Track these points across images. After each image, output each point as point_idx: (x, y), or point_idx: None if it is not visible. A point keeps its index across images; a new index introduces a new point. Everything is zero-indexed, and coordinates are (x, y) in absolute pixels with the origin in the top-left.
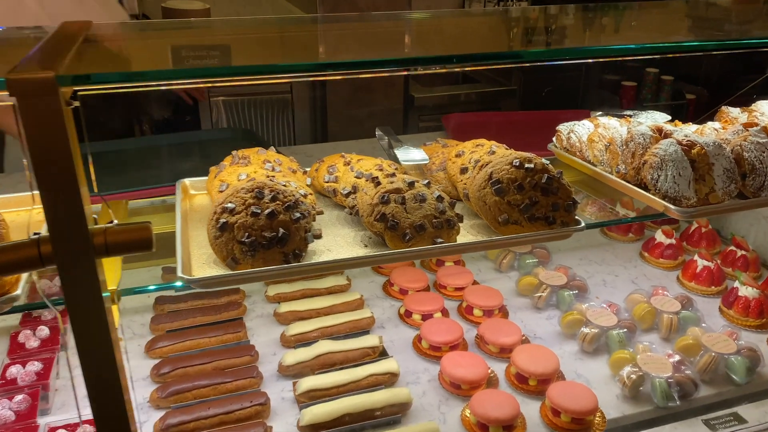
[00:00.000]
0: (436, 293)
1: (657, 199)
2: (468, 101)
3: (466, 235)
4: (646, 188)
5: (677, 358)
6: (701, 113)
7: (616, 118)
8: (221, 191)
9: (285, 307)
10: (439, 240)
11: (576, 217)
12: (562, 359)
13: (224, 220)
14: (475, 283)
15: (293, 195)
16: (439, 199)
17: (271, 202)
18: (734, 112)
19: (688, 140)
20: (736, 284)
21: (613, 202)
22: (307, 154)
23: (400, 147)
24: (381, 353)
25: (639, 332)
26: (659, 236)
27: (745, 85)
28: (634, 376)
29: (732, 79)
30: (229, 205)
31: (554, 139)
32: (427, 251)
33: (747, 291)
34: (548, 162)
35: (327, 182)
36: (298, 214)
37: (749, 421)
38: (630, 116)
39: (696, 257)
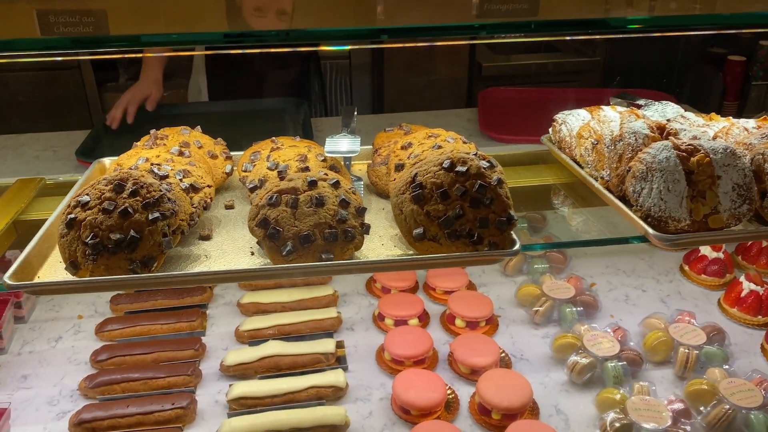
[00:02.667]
0: (419, 296)
1: (637, 218)
2: (543, 73)
3: (378, 248)
4: (629, 202)
5: (680, 406)
6: None
7: (621, 108)
8: None
9: (248, 298)
10: (328, 256)
11: (513, 237)
12: (546, 388)
13: (73, 216)
14: (470, 286)
15: (159, 190)
16: (343, 203)
17: (130, 198)
18: None
19: (688, 145)
20: None
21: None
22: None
23: (342, 133)
24: (339, 360)
25: (648, 364)
26: (705, 247)
27: None
28: (617, 425)
29: None
30: (84, 198)
31: (551, 129)
32: (303, 269)
33: None
34: (486, 164)
35: (244, 171)
36: (156, 214)
37: None
38: (640, 107)
39: (742, 278)
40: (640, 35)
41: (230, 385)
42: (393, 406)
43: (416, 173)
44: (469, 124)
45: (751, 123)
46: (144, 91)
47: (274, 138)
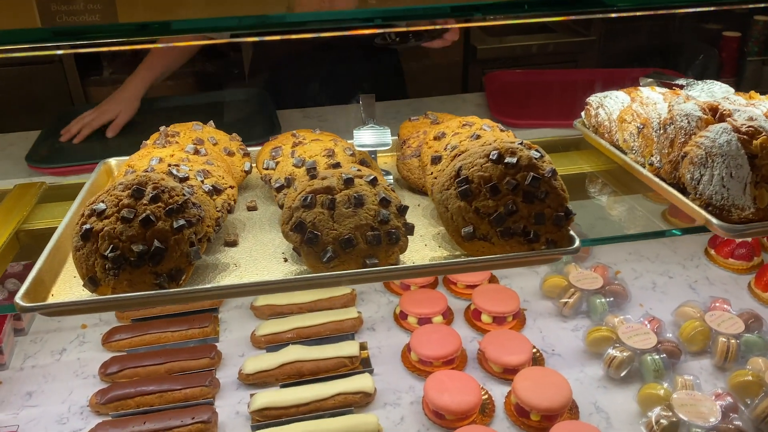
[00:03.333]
0: (441, 291)
1: (696, 207)
2: (538, 54)
3: (422, 249)
4: (685, 190)
5: (729, 400)
6: None
7: (662, 89)
8: None
9: (263, 300)
10: (372, 261)
11: (570, 233)
12: (582, 384)
13: (89, 226)
14: (492, 279)
15: (183, 194)
16: (384, 202)
17: (151, 204)
18: None
19: (749, 127)
20: None
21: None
22: (321, 118)
23: (368, 124)
24: (364, 363)
25: (686, 356)
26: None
27: None
28: (665, 421)
29: None
30: (100, 205)
31: (583, 113)
32: (349, 277)
33: None
34: (537, 154)
35: (265, 169)
36: (181, 221)
37: None
38: (682, 87)
39: None
40: (635, 13)
41: (251, 395)
42: (425, 410)
43: (461, 166)
44: (478, 109)
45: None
46: (110, 113)
47: (294, 132)
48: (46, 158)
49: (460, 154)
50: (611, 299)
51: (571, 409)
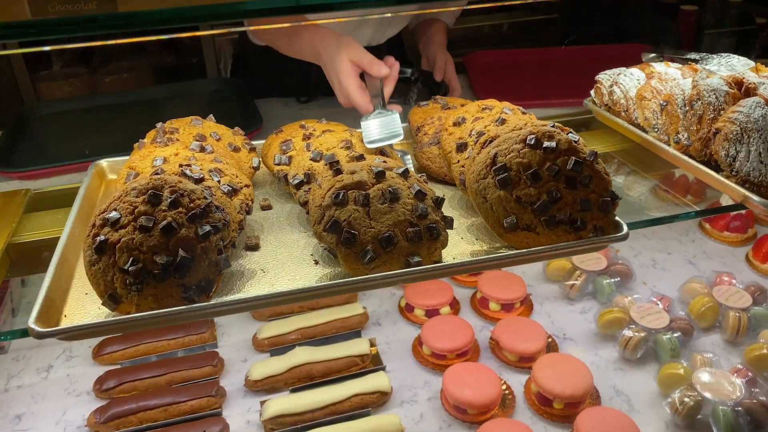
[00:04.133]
0: (445, 281)
1: (733, 185)
2: (499, 34)
3: (459, 243)
4: (717, 167)
5: (747, 375)
6: None
7: (676, 65)
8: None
9: None
10: (416, 259)
11: (617, 218)
12: (598, 368)
13: (103, 238)
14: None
15: (204, 197)
16: (419, 195)
17: (170, 210)
18: None
19: None
20: None
21: (671, 182)
22: (303, 107)
23: (375, 111)
24: (374, 360)
25: (697, 333)
26: (725, 203)
27: None
28: (689, 401)
29: None
30: (113, 214)
31: (592, 92)
32: (395, 277)
33: None
34: (576, 139)
35: (277, 165)
36: (207, 227)
37: None
38: (696, 61)
39: None
40: None
41: (262, 403)
42: (445, 405)
43: (496, 153)
44: (462, 90)
45: None
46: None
47: (303, 123)
48: (14, 161)
49: (489, 141)
50: (617, 279)
51: (592, 395)
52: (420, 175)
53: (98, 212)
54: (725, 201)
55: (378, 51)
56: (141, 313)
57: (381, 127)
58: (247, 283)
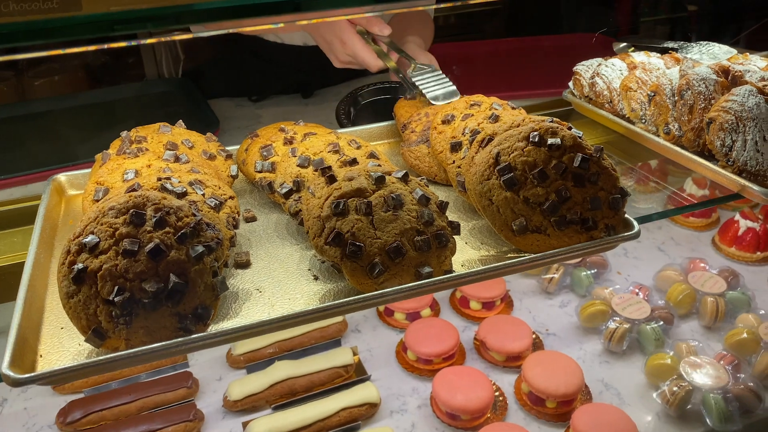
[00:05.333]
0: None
1: (729, 174)
2: (445, 26)
3: (464, 248)
4: (711, 157)
5: (732, 361)
6: (707, 29)
7: (656, 55)
8: (96, 201)
9: None
10: (427, 270)
11: (626, 216)
12: (584, 363)
13: (81, 266)
14: None
15: (192, 214)
16: (423, 200)
17: (156, 230)
18: None
19: None
20: None
21: (657, 171)
22: (258, 107)
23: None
24: (357, 370)
25: (676, 319)
26: (688, 187)
27: None
28: (679, 391)
29: None
30: (90, 238)
31: (571, 84)
32: (408, 291)
33: None
34: (580, 134)
35: (259, 172)
36: (200, 248)
37: None
38: (675, 50)
39: (738, 216)
40: None
41: (244, 424)
42: (436, 412)
43: (498, 152)
44: None
45: (760, 62)
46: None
47: (282, 126)
48: None
49: (487, 139)
50: (594, 271)
51: (583, 393)
52: (420, 178)
53: (72, 236)
54: (689, 187)
55: None
56: (133, 349)
57: (435, 82)
58: (244, 305)
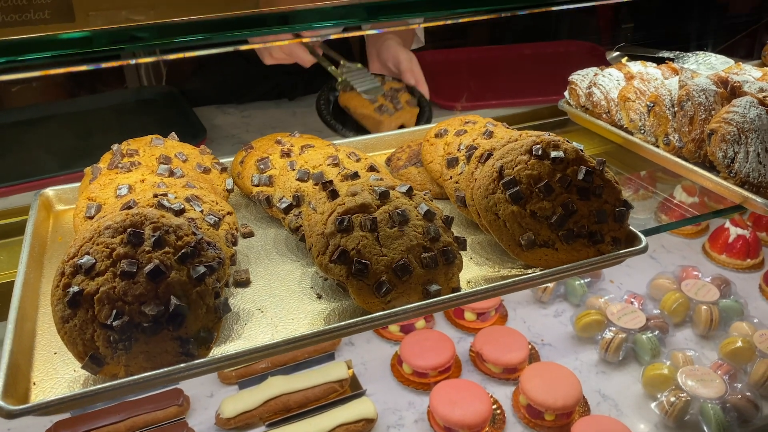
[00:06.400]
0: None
1: (731, 186)
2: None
3: (468, 264)
4: (712, 168)
5: (728, 370)
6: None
7: (652, 64)
8: (89, 218)
9: None
10: (435, 288)
11: (630, 228)
12: (581, 373)
13: (77, 289)
14: None
15: (192, 233)
16: (428, 215)
17: (155, 250)
18: None
19: None
20: None
21: (647, 179)
22: (245, 115)
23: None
24: (352, 384)
25: (671, 328)
26: (678, 194)
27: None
28: (677, 402)
29: None
30: (86, 259)
31: (566, 93)
32: (416, 311)
33: None
34: (581, 147)
35: (257, 186)
36: (201, 268)
37: None
38: (672, 60)
39: (728, 224)
40: None
41: None
42: (434, 427)
43: (502, 166)
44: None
45: (755, 72)
46: None
47: (279, 138)
48: None
49: (486, 154)
50: (587, 279)
51: (581, 405)
52: (424, 193)
53: (66, 257)
54: (678, 194)
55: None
56: (133, 377)
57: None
58: (246, 326)
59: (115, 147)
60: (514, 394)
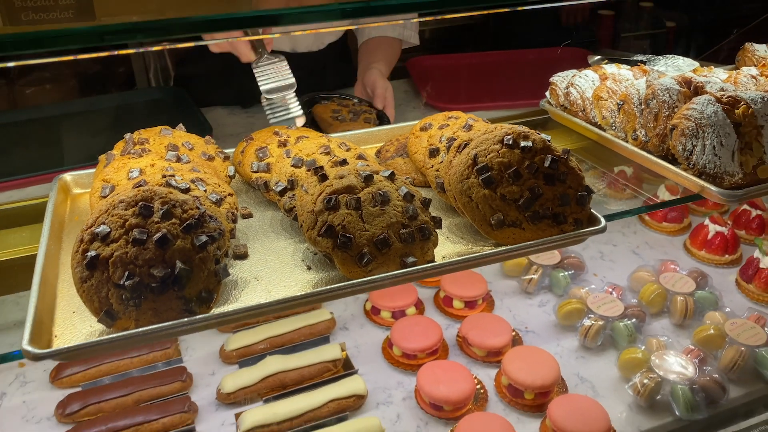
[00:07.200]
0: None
1: (690, 176)
2: (432, 39)
3: (444, 242)
4: (674, 160)
5: (699, 355)
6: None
7: (625, 67)
8: (103, 197)
9: None
10: (411, 259)
11: (592, 211)
12: (561, 358)
13: (94, 253)
14: None
15: (196, 207)
16: (408, 197)
17: (163, 221)
18: (760, 50)
19: (728, 97)
20: (757, 254)
21: (633, 179)
22: (250, 114)
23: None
24: (345, 365)
25: (648, 317)
26: (661, 193)
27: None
28: (649, 383)
29: (721, 2)
30: (102, 228)
31: (547, 93)
32: (393, 279)
33: None
34: (549, 138)
35: (255, 172)
36: (203, 238)
37: None
38: (644, 63)
39: (707, 222)
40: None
41: (237, 415)
42: (420, 404)
43: (476, 154)
44: (407, 95)
45: (753, 70)
46: None
47: (276, 129)
48: None
49: (463, 144)
50: (571, 272)
51: (558, 384)
52: (405, 177)
53: (85, 227)
54: (661, 193)
55: (319, 56)
56: (142, 328)
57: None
58: (243, 292)
59: (127, 136)
60: (497, 375)
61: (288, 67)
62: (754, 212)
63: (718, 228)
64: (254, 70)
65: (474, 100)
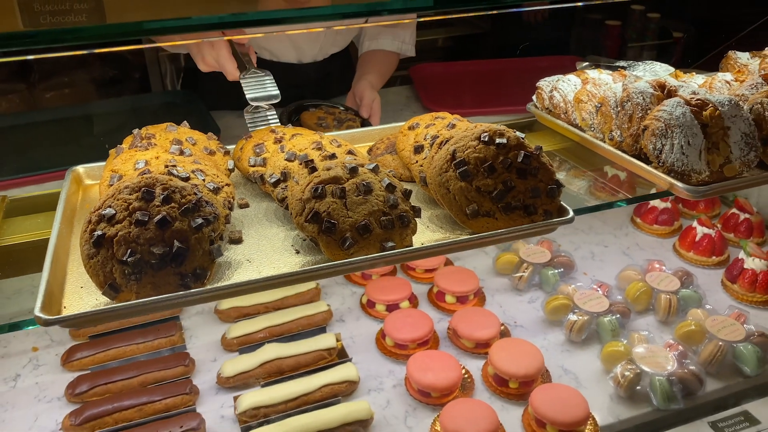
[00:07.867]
0: (403, 277)
1: (660, 174)
2: (436, 47)
3: (424, 231)
4: (646, 159)
5: (679, 349)
6: (691, 53)
7: (607, 72)
8: (111, 186)
9: (227, 303)
10: (390, 244)
11: (562, 204)
12: (547, 351)
13: (100, 233)
14: (447, 262)
15: (194, 193)
16: (390, 188)
17: (163, 205)
18: (743, 57)
19: (697, 99)
20: (741, 255)
21: (608, 174)
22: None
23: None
24: (339, 354)
25: (634, 315)
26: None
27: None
28: (629, 374)
29: (726, 13)
30: (108, 210)
31: (534, 97)
32: (372, 261)
33: (754, 263)
34: (522, 136)
35: (252, 166)
36: (199, 220)
37: (762, 421)
38: (624, 68)
39: (695, 224)
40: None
41: (235, 398)
42: (410, 391)
43: (455, 150)
44: (409, 101)
45: (728, 76)
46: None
47: (273, 127)
48: None
49: (445, 141)
50: (561, 270)
51: (543, 374)
52: (390, 171)
53: (93, 210)
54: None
55: (324, 65)
56: (142, 299)
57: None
58: (236, 272)
59: (135, 131)
60: (484, 366)
61: (273, 80)
62: (743, 216)
63: (706, 230)
64: (241, 83)
65: (472, 106)
